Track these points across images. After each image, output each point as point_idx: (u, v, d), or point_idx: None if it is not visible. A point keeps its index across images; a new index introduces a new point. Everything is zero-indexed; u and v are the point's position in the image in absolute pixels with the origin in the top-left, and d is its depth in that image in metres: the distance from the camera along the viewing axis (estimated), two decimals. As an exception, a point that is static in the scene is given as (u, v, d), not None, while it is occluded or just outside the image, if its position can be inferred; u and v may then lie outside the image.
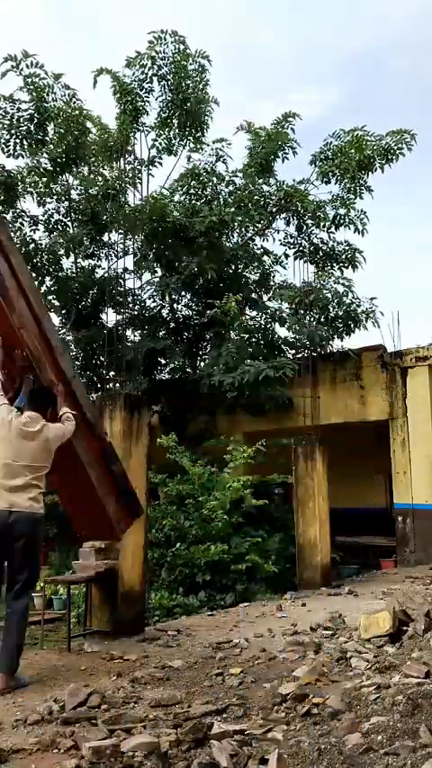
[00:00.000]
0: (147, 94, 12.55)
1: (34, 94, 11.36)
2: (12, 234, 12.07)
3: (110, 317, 13.19)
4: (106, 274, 13.03)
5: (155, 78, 12.39)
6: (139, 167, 13.07)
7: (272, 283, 13.54)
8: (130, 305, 12.48)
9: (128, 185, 12.51)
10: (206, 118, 12.76)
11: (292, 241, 13.41)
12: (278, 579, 9.09)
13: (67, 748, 3.00)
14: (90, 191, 12.46)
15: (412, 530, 10.58)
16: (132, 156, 12.94)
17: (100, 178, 12.81)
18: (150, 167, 13.22)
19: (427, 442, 10.61)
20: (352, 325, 11.88)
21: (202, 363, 12.38)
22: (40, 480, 4.38)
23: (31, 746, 3.07)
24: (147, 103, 12.62)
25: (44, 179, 12.15)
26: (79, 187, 12.75)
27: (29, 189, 12.21)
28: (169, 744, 2.91)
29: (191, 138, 13.01)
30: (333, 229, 13.04)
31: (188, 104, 12.42)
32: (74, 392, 4.90)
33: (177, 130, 12.94)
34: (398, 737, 2.72)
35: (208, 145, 13.04)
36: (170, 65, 12.26)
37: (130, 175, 12.74)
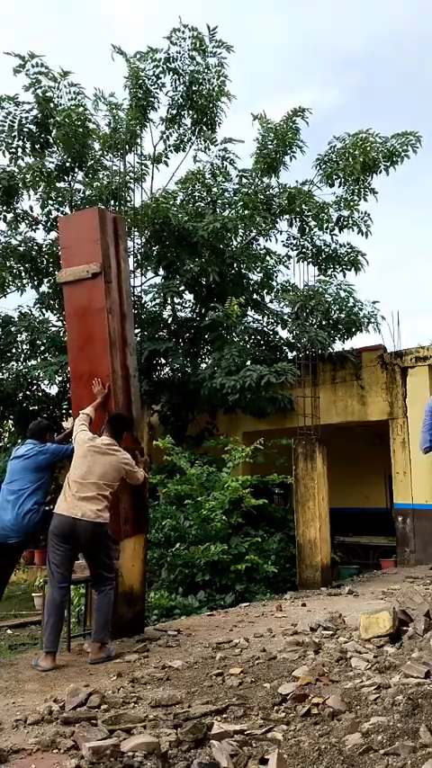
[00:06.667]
0: (158, 89, 12.37)
1: (39, 94, 11.31)
2: (5, 236, 12.15)
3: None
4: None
5: (168, 72, 12.21)
6: (146, 164, 12.92)
7: (274, 284, 13.48)
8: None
9: (133, 182, 12.36)
10: (219, 113, 12.51)
11: (294, 243, 13.36)
12: (278, 579, 9.08)
13: (67, 748, 3.00)
14: (93, 190, 12.34)
15: (412, 530, 10.58)
16: (140, 151, 12.80)
17: (102, 175, 12.65)
18: (157, 163, 13.07)
19: (427, 442, 10.60)
20: (353, 329, 11.86)
21: (204, 365, 12.33)
22: (107, 495, 5.02)
23: (31, 746, 3.07)
24: (157, 100, 12.48)
25: (45, 182, 12.05)
26: (80, 192, 12.64)
27: (34, 193, 12.06)
28: (169, 744, 2.91)
29: (202, 135, 12.84)
30: (336, 231, 13.01)
31: (201, 100, 12.22)
32: (129, 390, 5.52)
33: (189, 126, 12.79)
34: (398, 737, 2.72)
35: (215, 144, 12.90)
36: (185, 59, 12.06)
37: (136, 169, 12.59)
